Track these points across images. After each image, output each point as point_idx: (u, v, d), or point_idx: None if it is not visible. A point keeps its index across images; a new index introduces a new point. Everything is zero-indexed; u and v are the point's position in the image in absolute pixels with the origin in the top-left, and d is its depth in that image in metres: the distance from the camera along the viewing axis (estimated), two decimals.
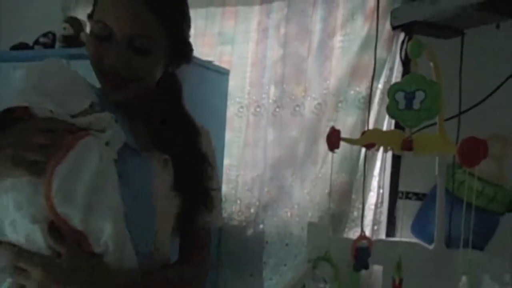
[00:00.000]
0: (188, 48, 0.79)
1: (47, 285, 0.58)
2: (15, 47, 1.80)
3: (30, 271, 0.59)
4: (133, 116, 0.76)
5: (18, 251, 0.59)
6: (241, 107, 1.81)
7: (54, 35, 1.75)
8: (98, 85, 0.74)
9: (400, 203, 1.56)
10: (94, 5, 0.72)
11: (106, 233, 0.59)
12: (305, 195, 1.68)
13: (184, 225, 0.77)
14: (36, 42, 1.77)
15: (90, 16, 0.73)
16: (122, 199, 0.62)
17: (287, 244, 1.70)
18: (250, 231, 1.79)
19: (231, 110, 1.83)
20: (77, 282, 0.59)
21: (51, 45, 1.75)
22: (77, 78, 0.68)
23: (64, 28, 1.69)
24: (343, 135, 0.92)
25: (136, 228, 0.64)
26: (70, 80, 0.66)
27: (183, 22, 0.77)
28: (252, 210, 1.78)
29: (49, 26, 1.81)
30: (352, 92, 1.62)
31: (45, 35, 1.75)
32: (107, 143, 0.63)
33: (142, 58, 0.69)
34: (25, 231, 0.59)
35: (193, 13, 2.17)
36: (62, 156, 0.57)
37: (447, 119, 1.05)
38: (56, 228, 0.58)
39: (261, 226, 1.76)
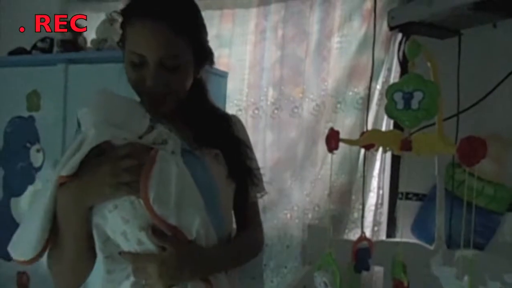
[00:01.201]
0: (210, 53, 0.89)
1: (165, 274, 0.71)
2: (13, 52, 1.80)
3: (148, 268, 0.71)
4: (175, 121, 0.85)
5: (134, 255, 0.72)
6: (240, 109, 1.81)
7: (52, 40, 1.75)
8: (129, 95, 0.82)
9: (400, 203, 1.56)
10: (123, 35, 0.82)
11: (197, 223, 0.72)
12: (305, 197, 1.67)
13: (238, 203, 0.91)
14: (34, 47, 1.77)
15: (120, 43, 0.84)
16: None
17: (287, 246, 1.70)
18: None
19: (230, 112, 1.82)
20: (187, 263, 0.73)
21: (49, 50, 1.75)
22: (131, 102, 0.78)
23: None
24: (342, 136, 0.92)
25: (210, 215, 0.76)
26: (128, 106, 0.77)
27: (202, 31, 0.86)
28: None
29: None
30: (350, 93, 1.62)
31: (43, 40, 1.75)
32: (172, 152, 0.75)
33: (174, 74, 0.79)
34: (136, 238, 0.71)
35: None
36: (148, 172, 0.69)
37: (445, 119, 1.05)
38: (157, 229, 0.72)
39: None
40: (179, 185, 0.71)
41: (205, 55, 0.87)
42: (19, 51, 1.79)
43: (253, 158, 0.93)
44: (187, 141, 0.83)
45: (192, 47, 0.81)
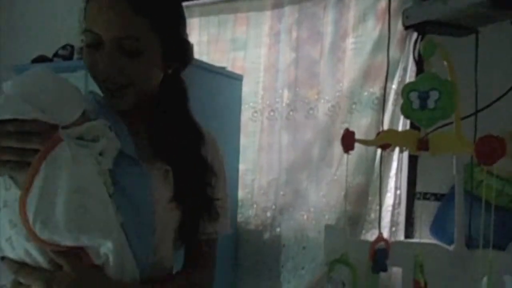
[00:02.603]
0: (185, 46, 0.76)
1: None
2: (35, 60, 1.86)
3: (32, 285, 0.58)
4: (135, 124, 0.74)
5: (19, 266, 0.59)
6: (255, 111, 1.83)
7: (72, 47, 1.80)
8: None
9: (418, 204, 1.54)
10: (84, 17, 0.71)
11: (105, 247, 0.59)
12: (321, 198, 1.68)
13: (187, 235, 0.75)
14: (56, 54, 1.82)
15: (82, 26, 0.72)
16: (121, 210, 0.62)
17: (304, 247, 1.70)
18: (266, 235, 1.79)
19: (245, 115, 1.84)
20: None
21: (70, 57, 1.80)
22: (67, 87, 0.65)
23: (82, 40, 1.74)
24: (357, 136, 0.92)
25: (135, 239, 0.64)
26: (58, 90, 0.63)
27: (176, 21, 0.74)
28: (268, 214, 1.78)
29: (68, 38, 1.87)
30: (365, 93, 1.62)
31: (64, 47, 1.81)
32: (100, 153, 0.62)
33: (133, 60, 0.67)
34: (22, 247, 0.58)
35: (205, 20, 2.19)
36: (28, 185, 0.55)
37: (463, 118, 1.04)
38: None
39: (277, 229, 1.77)
40: (76, 201, 0.56)
41: (178, 48, 0.74)
42: (42, 58, 1.85)
43: (216, 188, 0.78)
44: (139, 149, 0.70)
45: (160, 35, 0.69)
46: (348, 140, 0.91)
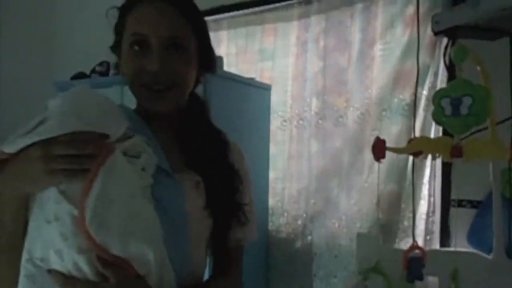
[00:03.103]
0: (213, 55, 0.81)
1: None
2: (75, 77, 1.97)
3: None
4: (164, 136, 0.76)
5: (65, 278, 0.60)
6: (284, 120, 1.85)
7: (108, 63, 1.89)
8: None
9: (453, 211, 1.50)
10: (122, 26, 0.74)
11: (149, 257, 0.61)
12: (353, 206, 1.66)
13: (217, 243, 0.78)
14: (93, 70, 1.92)
15: (114, 47, 0.76)
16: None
17: (336, 256, 1.69)
18: (298, 243, 1.79)
19: (274, 124, 1.86)
20: None
21: (106, 73, 1.89)
22: (109, 103, 0.68)
23: (117, 49, 1.81)
24: (388, 143, 0.92)
25: (172, 249, 0.65)
26: (104, 107, 0.66)
27: (206, 29, 0.79)
28: (299, 222, 1.79)
29: (104, 55, 1.95)
30: (395, 100, 1.60)
31: (100, 64, 1.90)
32: (143, 169, 0.64)
33: (179, 58, 0.71)
34: (72, 260, 0.59)
35: (233, 32, 2.24)
36: (88, 186, 0.58)
37: (499, 123, 1.01)
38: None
39: (309, 237, 1.77)
40: (130, 208, 0.60)
41: (209, 55, 0.79)
42: (80, 75, 1.95)
43: (244, 194, 0.79)
44: (170, 161, 0.73)
45: (197, 39, 0.74)
46: (379, 149, 0.91)
